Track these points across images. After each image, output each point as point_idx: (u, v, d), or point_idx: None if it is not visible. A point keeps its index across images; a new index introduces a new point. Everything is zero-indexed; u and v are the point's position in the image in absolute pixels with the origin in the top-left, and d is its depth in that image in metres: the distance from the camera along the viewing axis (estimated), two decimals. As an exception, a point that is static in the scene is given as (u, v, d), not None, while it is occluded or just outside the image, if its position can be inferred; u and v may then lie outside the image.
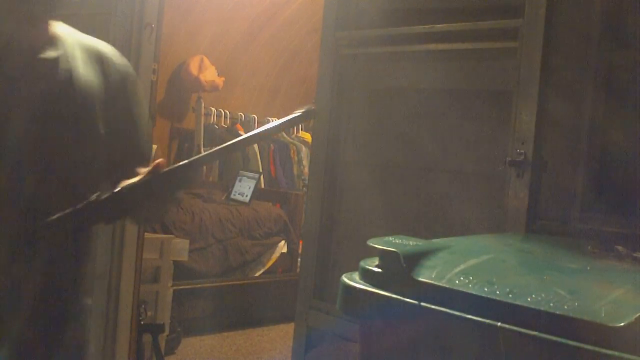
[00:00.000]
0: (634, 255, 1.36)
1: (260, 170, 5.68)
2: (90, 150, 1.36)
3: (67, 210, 1.18)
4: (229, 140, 1.23)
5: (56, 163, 1.33)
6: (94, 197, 1.17)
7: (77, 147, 1.35)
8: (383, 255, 1.22)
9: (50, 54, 1.35)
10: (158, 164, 1.19)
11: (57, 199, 1.30)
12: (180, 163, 1.22)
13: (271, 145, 6.06)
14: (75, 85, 1.35)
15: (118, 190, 1.17)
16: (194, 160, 1.25)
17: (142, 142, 1.47)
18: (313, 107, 1.20)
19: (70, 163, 1.34)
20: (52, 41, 1.36)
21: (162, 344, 3.49)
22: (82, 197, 1.23)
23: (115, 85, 1.42)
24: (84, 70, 1.38)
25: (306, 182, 5.61)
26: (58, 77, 1.34)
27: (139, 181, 1.19)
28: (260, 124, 6.21)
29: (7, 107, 1.29)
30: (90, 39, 1.45)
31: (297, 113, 1.19)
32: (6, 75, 1.30)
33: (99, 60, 1.42)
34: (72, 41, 1.40)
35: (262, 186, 5.62)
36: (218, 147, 1.23)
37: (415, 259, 1.20)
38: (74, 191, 1.29)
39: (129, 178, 1.29)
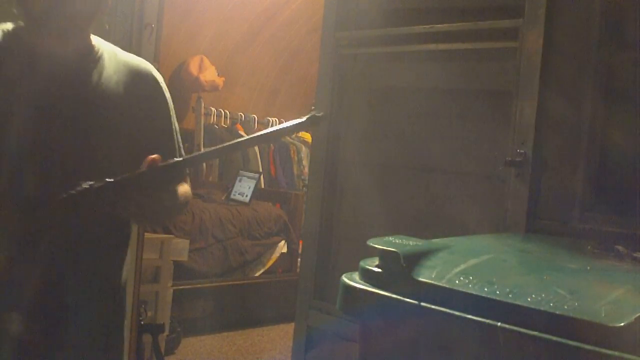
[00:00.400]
0: (634, 255, 1.36)
1: (260, 170, 5.68)
2: (103, 159, 1.38)
3: (62, 196, 1.20)
4: (229, 141, 1.24)
5: (66, 166, 1.36)
6: (87, 184, 1.18)
7: (94, 154, 1.37)
8: (383, 255, 1.22)
9: (83, 63, 1.39)
10: (153, 159, 1.21)
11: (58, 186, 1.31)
12: (175, 160, 1.23)
13: (271, 145, 6.06)
14: (99, 94, 1.39)
15: (111, 180, 1.18)
16: (188, 158, 1.27)
17: (177, 155, 1.51)
18: (319, 114, 1.21)
19: (84, 169, 1.36)
20: (88, 52, 1.41)
21: (162, 344, 3.48)
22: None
23: (149, 101, 1.46)
24: (113, 83, 1.41)
25: (306, 182, 5.60)
26: (85, 85, 1.38)
27: (132, 173, 1.20)
28: (260, 124, 6.22)
29: (27, 108, 1.33)
30: (129, 55, 1.50)
31: (301, 119, 1.20)
32: (36, 80, 1.34)
33: (133, 75, 1.45)
34: (107, 55, 1.44)
35: (262, 186, 5.62)
36: (214, 147, 1.25)
37: (415, 259, 1.20)
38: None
39: (167, 189, 1.38)
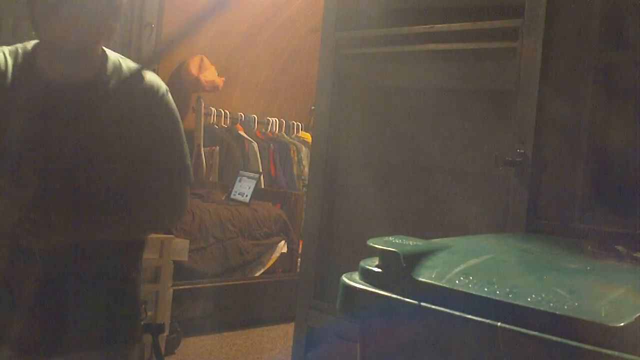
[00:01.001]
0: (634, 255, 1.36)
1: (260, 170, 5.67)
2: (102, 167, 1.43)
3: None
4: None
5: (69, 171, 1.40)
6: None
7: (93, 163, 1.42)
8: (383, 255, 1.22)
9: (88, 79, 1.45)
10: None
11: (58, 199, 1.34)
12: None
13: (271, 145, 6.06)
14: (101, 108, 1.44)
15: None
16: None
17: (172, 163, 1.54)
18: None
19: (82, 173, 1.41)
20: (94, 67, 1.46)
21: (162, 344, 3.48)
22: (86, 202, 1.30)
23: (150, 114, 1.49)
24: (116, 96, 1.46)
25: (306, 182, 5.60)
26: (87, 100, 1.44)
27: None
28: (260, 123, 6.22)
29: (30, 120, 1.40)
30: (136, 68, 1.53)
31: None
32: (42, 95, 1.42)
33: (137, 88, 1.49)
34: (114, 68, 1.48)
35: (262, 186, 5.62)
36: None
37: (415, 259, 1.20)
38: (76, 196, 1.37)
39: (164, 189, 1.49)
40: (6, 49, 1.46)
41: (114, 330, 1.49)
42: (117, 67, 1.49)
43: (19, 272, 1.38)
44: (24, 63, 1.44)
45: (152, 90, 1.50)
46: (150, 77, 1.53)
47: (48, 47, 1.41)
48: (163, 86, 1.53)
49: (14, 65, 1.42)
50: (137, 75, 1.51)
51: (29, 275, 1.37)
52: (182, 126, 1.57)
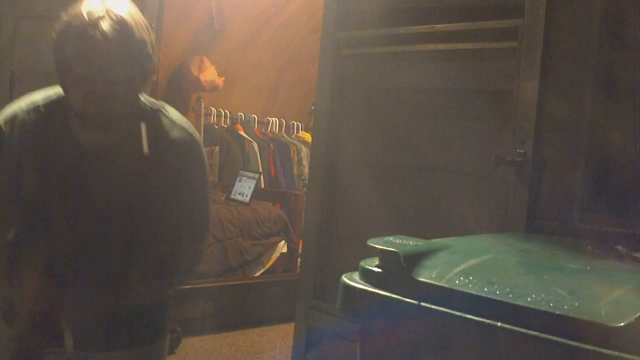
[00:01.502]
0: (634, 255, 1.36)
1: (260, 170, 5.67)
2: (135, 224, 1.46)
3: None
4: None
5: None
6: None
7: (121, 214, 1.45)
8: (383, 255, 1.22)
9: (124, 141, 1.44)
10: None
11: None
12: None
13: (271, 145, 6.06)
14: (134, 170, 1.45)
15: None
16: None
17: (195, 214, 1.56)
18: None
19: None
20: (130, 126, 1.44)
21: (162, 344, 3.48)
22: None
23: (173, 164, 1.48)
24: (145, 150, 1.45)
25: (306, 182, 5.60)
26: (122, 162, 1.44)
27: None
28: (260, 123, 6.22)
29: (58, 174, 1.43)
30: (169, 119, 1.50)
31: None
32: (76, 157, 1.42)
33: (167, 141, 1.47)
34: (147, 124, 1.46)
35: (262, 186, 5.61)
36: None
37: (415, 259, 1.20)
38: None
39: (185, 237, 1.49)
40: (41, 102, 1.43)
41: (152, 328, 1.57)
42: (150, 123, 1.47)
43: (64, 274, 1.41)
44: (57, 125, 1.42)
45: (183, 147, 1.48)
46: (183, 132, 1.50)
47: (81, 117, 1.39)
48: (193, 142, 1.51)
49: (47, 125, 1.41)
50: (169, 132, 1.48)
51: (71, 277, 1.41)
52: (208, 182, 1.57)
